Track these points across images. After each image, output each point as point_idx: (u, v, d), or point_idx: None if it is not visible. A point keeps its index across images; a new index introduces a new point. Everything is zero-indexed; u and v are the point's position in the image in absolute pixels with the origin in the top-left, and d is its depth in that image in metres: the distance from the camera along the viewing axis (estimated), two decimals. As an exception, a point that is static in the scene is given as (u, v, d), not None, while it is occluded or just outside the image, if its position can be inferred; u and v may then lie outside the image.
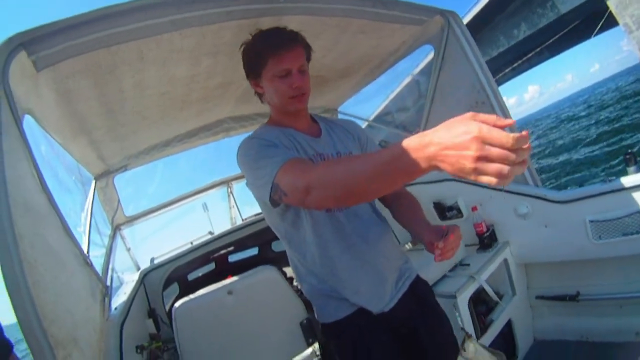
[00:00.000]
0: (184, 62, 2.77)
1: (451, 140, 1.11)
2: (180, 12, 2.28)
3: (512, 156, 1.04)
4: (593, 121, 34.42)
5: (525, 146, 1.06)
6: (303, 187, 1.60)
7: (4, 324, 1.96)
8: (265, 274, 2.53)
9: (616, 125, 27.92)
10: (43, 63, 2.15)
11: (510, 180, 1.08)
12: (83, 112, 2.90)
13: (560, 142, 32.43)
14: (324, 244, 2.12)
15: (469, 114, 1.13)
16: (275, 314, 2.62)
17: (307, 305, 2.66)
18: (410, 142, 1.23)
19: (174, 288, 4.93)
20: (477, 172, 1.09)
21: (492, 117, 1.09)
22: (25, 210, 1.84)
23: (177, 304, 2.61)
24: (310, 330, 2.70)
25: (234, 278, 2.69)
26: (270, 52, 2.03)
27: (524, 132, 1.05)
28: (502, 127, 1.07)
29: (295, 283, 4.10)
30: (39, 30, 2.01)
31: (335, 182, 1.51)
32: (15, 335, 2.03)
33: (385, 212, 2.40)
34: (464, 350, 1.90)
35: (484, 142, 1.05)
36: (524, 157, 1.06)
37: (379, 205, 2.37)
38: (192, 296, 2.64)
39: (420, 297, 2.33)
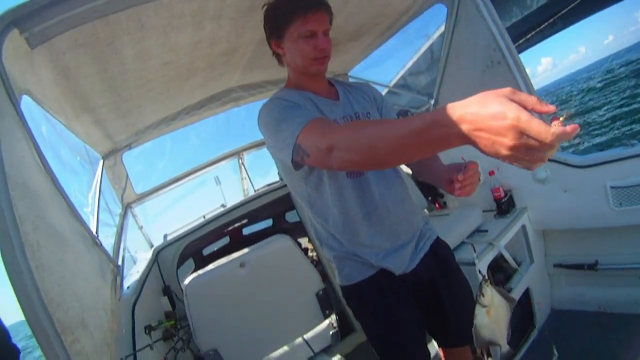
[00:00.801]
0: (185, 28, 2.67)
1: (486, 122, 1.03)
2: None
3: (550, 150, 0.99)
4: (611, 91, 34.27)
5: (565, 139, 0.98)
6: (326, 147, 1.55)
7: (14, 321, 1.91)
8: (278, 243, 2.46)
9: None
10: (37, 40, 2.07)
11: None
12: (84, 89, 2.83)
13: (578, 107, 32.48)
14: (347, 208, 2.12)
15: (507, 90, 1.04)
16: (290, 285, 2.57)
17: (323, 275, 2.60)
18: (442, 115, 1.14)
19: (190, 264, 4.90)
20: (512, 159, 1.05)
21: (532, 100, 1.01)
22: (26, 192, 1.79)
23: (187, 280, 2.56)
24: (326, 301, 2.64)
25: (245, 250, 2.62)
26: (297, 13, 1.99)
27: (568, 128, 0.97)
28: (542, 113, 1.02)
29: (310, 254, 4.03)
30: (29, 5, 1.92)
31: (360, 146, 1.45)
32: (25, 331, 1.98)
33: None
34: (482, 296, 1.90)
35: (522, 132, 0.98)
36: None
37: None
38: (202, 271, 2.59)
39: (440, 257, 2.36)
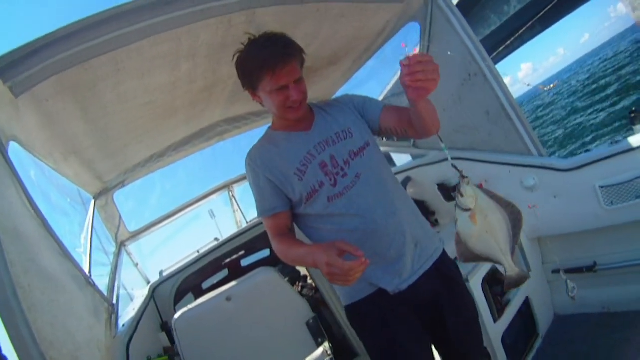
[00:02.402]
0: (161, 68, 2.74)
1: (318, 262, 1.87)
2: (150, 18, 2.26)
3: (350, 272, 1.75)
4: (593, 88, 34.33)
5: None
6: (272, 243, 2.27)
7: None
8: (263, 276, 2.50)
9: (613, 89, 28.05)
10: (20, 88, 2.13)
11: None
12: (69, 132, 2.89)
13: (560, 111, 32.55)
14: (335, 227, 2.17)
15: (325, 261, 1.79)
16: (279, 316, 2.59)
17: (312, 304, 2.63)
18: (307, 257, 1.98)
19: (190, 299, 4.90)
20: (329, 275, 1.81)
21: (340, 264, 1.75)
22: (16, 237, 1.83)
23: (176, 315, 2.58)
24: (318, 330, 2.67)
25: (232, 283, 2.65)
26: (265, 69, 2.05)
27: (355, 264, 1.72)
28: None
29: (309, 281, 4.04)
30: (10, 56, 2.00)
31: (280, 255, 2.21)
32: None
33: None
34: (461, 196, 1.74)
35: (330, 265, 1.78)
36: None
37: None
38: (191, 305, 2.61)
39: (447, 276, 2.31)
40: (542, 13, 27.98)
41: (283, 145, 2.23)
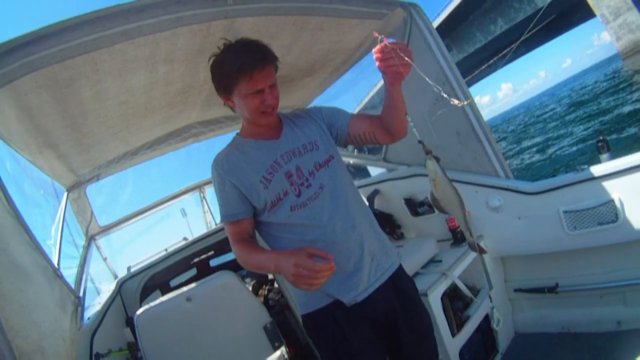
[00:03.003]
0: (140, 70, 2.79)
1: (283, 268, 1.89)
2: (130, 22, 2.30)
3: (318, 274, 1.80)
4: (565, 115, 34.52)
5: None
6: (232, 248, 2.28)
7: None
8: (223, 279, 2.54)
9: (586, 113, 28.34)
10: (0, 81, 2.17)
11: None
12: (46, 126, 2.92)
13: (531, 136, 32.74)
14: (295, 236, 2.23)
15: (294, 262, 1.84)
16: (237, 319, 2.62)
17: (277, 308, 2.68)
18: (269, 263, 2.03)
19: (156, 295, 4.92)
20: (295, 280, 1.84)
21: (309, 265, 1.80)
22: None
23: (138, 312, 2.62)
24: (275, 334, 2.71)
25: (192, 284, 2.70)
26: (242, 72, 2.09)
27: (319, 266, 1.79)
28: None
29: (277, 284, 4.09)
30: (-9, 51, 2.03)
31: (240, 261, 2.21)
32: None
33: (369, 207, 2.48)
34: (425, 168, 1.96)
35: (297, 265, 1.81)
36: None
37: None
38: (152, 303, 2.65)
39: (402, 291, 2.36)
40: (527, 35, 28.25)
41: (251, 152, 2.28)
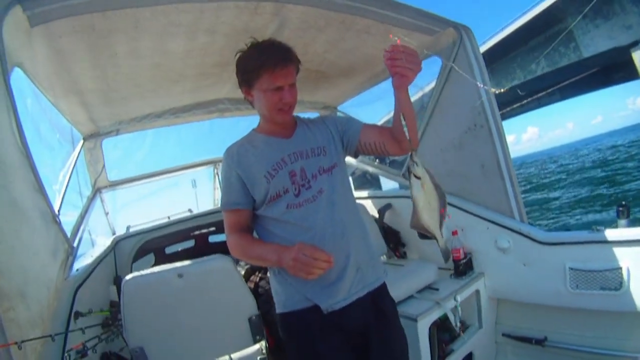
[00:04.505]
0: (180, 35, 2.78)
1: (284, 259, 2.03)
2: (180, -16, 2.28)
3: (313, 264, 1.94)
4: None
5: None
6: (227, 236, 2.36)
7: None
8: (219, 262, 2.52)
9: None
10: (37, 19, 2.17)
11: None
12: (75, 72, 2.91)
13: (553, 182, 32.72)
14: (286, 234, 2.24)
15: (294, 254, 1.98)
16: (224, 305, 2.60)
17: (266, 297, 2.65)
18: (271, 254, 2.15)
19: (149, 259, 4.91)
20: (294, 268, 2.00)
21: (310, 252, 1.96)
22: None
23: (127, 277, 2.60)
24: (258, 327, 2.69)
25: (187, 262, 2.68)
26: (265, 68, 2.15)
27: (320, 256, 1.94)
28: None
29: (260, 274, 4.07)
30: (35, -12, 2.02)
31: (236, 250, 2.31)
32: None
33: (364, 218, 2.49)
34: (416, 164, 1.94)
35: (301, 250, 1.97)
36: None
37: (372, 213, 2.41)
38: (143, 272, 2.62)
39: (381, 310, 2.35)
40: (566, 82, 28.05)
41: (261, 147, 2.34)
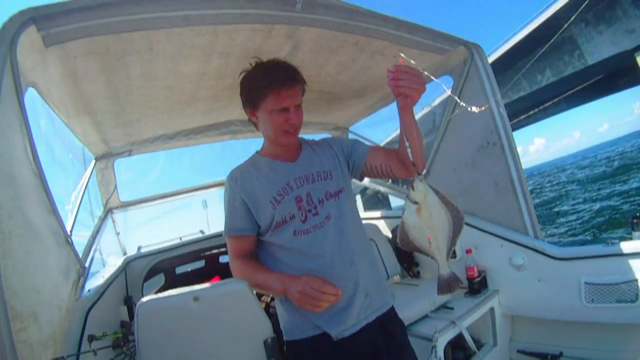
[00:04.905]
0: (194, 58, 2.79)
1: (290, 289, 2.06)
2: (195, 8, 2.31)
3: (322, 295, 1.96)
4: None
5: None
6: (230, 263, 2.43)
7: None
8: (235, 286, 2.50)
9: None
10: (52, 40, 2.18)
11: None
12: (88, 93, 2.92)
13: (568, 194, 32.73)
14: (292, 262, 2.25)
15: (301, 287, 2.01)
16: (239, 329, 2.58)
17: (275, 324, 2.64)
18: (276, 283, 2.18)
19: (159, 279, 4.90)
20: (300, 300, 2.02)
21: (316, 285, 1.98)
22: (10, 181, 1.86)
23: (143, 299, 2.59)
24: (274, 350, 2.68)
25: (203, 285, 2.67)
26: (271, 88, 2.16)
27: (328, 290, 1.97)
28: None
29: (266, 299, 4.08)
30: (51, 8, 2.05)
31: (239, 276, 2.39)
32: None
33: (376, 239, 2.48)
34: (412, 189, 1.83)
35: (307, 283, 1.99)
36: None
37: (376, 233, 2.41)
38: (158, 295, 2.61)
39: (390, 334, 2.33)
40: (572, 91, 28.05)
41: (266, 171, 2.33)
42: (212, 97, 3.55)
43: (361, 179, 2.56)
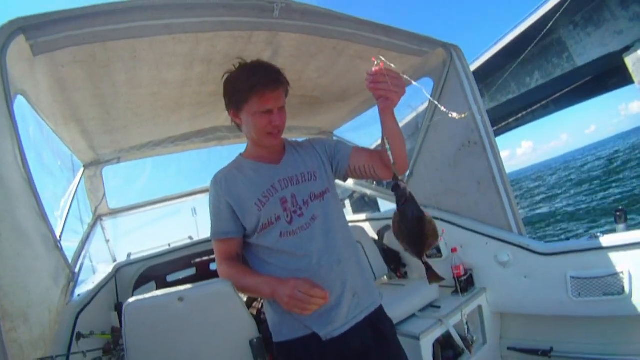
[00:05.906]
0: (176, 65, 2.85)
1: (278, 293, 2.09)
2: (176, 17, 2.37)
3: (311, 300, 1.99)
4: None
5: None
6: (218, 266, 2.44)
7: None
8: (219, 287, 2.53)
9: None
10: (40, 49, 2.24)
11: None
12: (76, 100, 2.97)
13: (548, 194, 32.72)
14: (279, 263, 2.25)
15: (290, 291, 2.03)
16: (224, 329, 2.59)
17: (260, 325, 2.67)
18: (264, 286, 2.19)
19: (151, 286, 4.92)
20: (289, 304, 2.04)
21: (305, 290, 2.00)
22: (0, 184, 1.91)
23: (129, 300, 2.62)
24: (260, 350, 2.71)
25: (188, 286, 2.71)
26: (255, 90, 2.16)
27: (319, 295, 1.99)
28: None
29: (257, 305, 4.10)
30: (39, 18, 2.11)
31: (227, 278, 2.38)
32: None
33: (363, 241, 2.51)
34: (399, 186, 1.95)
35: (296, 287, 2.02)
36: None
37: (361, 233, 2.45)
38: (145, 296, 2.65)
39: (380, 333, 2.33)
40: (559, 93, 28.13)
41: (250, 174, 2.34)
42: (197, 103, 3.59)
43: (345, 180, 2.60)
